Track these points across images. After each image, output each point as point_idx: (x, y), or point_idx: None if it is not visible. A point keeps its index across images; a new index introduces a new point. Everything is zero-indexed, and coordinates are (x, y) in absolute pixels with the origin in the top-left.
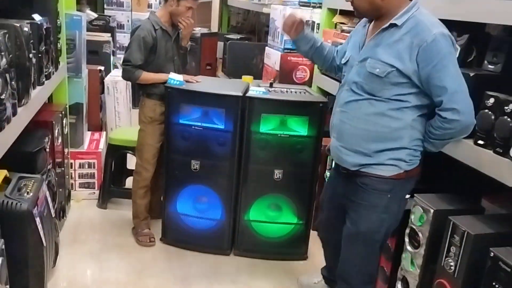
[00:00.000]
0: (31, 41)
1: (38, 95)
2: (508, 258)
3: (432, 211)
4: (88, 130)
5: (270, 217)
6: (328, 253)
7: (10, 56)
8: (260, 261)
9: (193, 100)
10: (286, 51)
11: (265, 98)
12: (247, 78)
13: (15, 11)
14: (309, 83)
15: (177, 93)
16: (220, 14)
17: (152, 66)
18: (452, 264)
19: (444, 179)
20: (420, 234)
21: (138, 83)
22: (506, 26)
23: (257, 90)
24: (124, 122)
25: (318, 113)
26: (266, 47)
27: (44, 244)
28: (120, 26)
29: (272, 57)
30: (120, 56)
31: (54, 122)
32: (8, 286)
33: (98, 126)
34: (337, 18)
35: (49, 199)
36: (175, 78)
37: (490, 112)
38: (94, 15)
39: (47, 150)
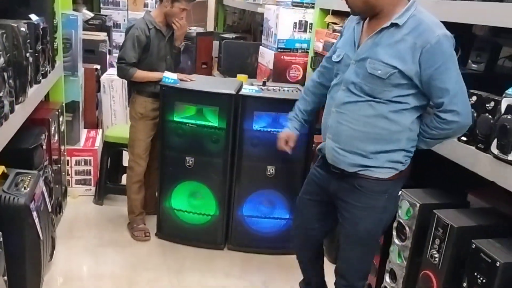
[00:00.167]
0: (28, 40)
1: (35, 93)
2: (489, 249)
3: (418, 205)
4: (85, 128)
5: (263, 212)
6: (304, 265)
7: (8, 55)
8: (253, 255)
9: (187, 98)
10: (279, 50)
11: (258, 96)
12: (241, 77)
13: (13, 11)
14: (302, 81)
15: (172, 91)
16: (216, 13)
17: (144, 65)
18: (436, 256)
19: (434, 174)
20: (407, 228)
21: (132, 81)
22: (491, 27)
23: (250, 88)
24: (120, 120)
25: None
26: (260, 47)
27: (41, 238)
28: (117, 26)
29: (266, 56)
30: (116, 55)
31: (50, 119)
32: (6, 278)
33: (94, 123)
34: (329, 18)
35: (45, 194)
36: (170, 77)
37: (472, 110)
38: (90, 14)
39: (44, 147)
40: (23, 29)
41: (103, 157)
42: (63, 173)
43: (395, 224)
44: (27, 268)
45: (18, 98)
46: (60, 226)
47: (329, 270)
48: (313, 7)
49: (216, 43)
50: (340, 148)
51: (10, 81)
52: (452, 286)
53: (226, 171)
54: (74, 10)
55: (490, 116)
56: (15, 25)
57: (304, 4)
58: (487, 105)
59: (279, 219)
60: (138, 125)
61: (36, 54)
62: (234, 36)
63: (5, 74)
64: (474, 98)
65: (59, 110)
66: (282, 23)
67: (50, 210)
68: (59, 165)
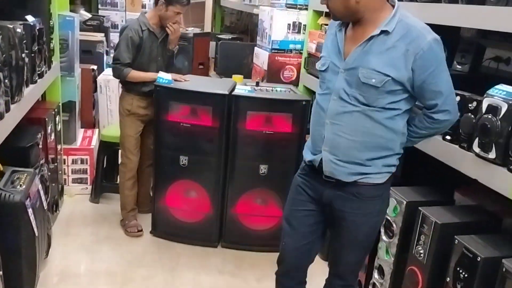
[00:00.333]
0: (24, 41)
1: (31, 93)
2: (471, 245)
3: (405, 202)
4: (81, 128)
5: (256, 211)
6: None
7: (4, 55)
8: (247, 252)
9: (181, 98)
10: (273, 51)
11: (250, 96)
12: (237, 78)
13: (9, 12)
14: (296, 82)
15: (166, 91)
16: (213, 14)
17: (135, 65)
18: (421, 252)
19: (423, 173)
20: (394, 225)
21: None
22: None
23: (243, 88)
24: (116, 119)
25: (301, 111)
26: (255, 47)
27: (36, 234)
28: (114, 26)
29: (261, 57)
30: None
31: (47, 119)
32: (1, 273)
33: (91, 123)
34: (322, 20)
35: (41, 192)
36: (164, 77)
37: None
38: (88, 15)
39: (40, 145)
40: (19, 30)
41: (99, 156)
42: (60, 172)
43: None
44: (22, 264)
45: (14, 98)
46: (56, 223)
47: (318, 267)
48: (306, 9)
49: (213, 44)
50: (338, 159)
51: (6, 81)
52: (436, 282)
53: (220, 170)
54: (71, 11)
55: (472, 116)
56: (11, 26)
57: (298, 6)
58: (469, 105)
59: (271, 217)
60: (125, 121)
61: (32, 55)
62: (230, 37)
63: (1, 74)
64: (458, 98)
65: (56, 110)
66: (276, 24)
67: (46, 208)
68: (56, 164)
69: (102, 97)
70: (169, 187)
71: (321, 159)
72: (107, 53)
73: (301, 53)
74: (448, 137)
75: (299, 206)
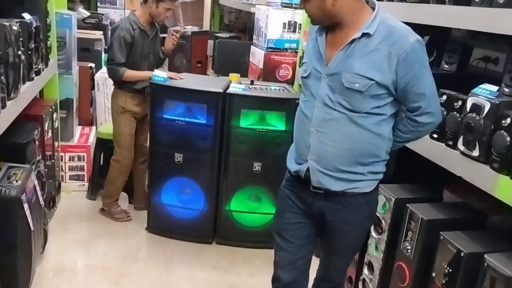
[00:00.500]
0: (21, 39)
1: (27, 90)
2: (455, 240)
3: (393, 199)
4: (79, 125)
5: (250, 208)
6: None
7: (0, 53)
8: (240, 249)
9: (176, 96)
10: (269, 50)
11: (244, 95)
12: (233, 76)
13: (7, 10)
14: (291, 81)
15: (161, 89)
16: (212, 12)
17: (127, 63)
18: (409, 247)
19: (414, 170)
20: (383, 221)
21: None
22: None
23: (237, 87)
24: None
25: (294, 109)
26: (252, 46)
27: (32, 229)
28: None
29: (257, 56)
30: None
31: (44, 116)
32: None
33: (88, 120)
34: None
35: (37, 188)
36: (159, 75)
37: (443, 109)
38: (86, 13)
39: (37, 142)
40: (15, 28)
41: (96, 153)
42: (57, 169)
43: None
44: (18, 258)
45: (10, 95)
46: (53, 219)
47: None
48: (302, 8)
49: (210, 42)
50: (325, 168)
51: (2, 78)
52: (423, 277)
53: (214, 167)
54: (70, 9)
55: (457, 114)
56: (7, 23)
57: (293, 5)
58: (455, 103)
59: (265, 214)
60: (120, 119)
61: (29, 52)
62: (228, 36)
63: None
64: (444, 97)
65: (53, 107)
66: (272, 23)
67: (42, 204)
68: (53, 161)
69: (100, 95)
70: (164, 184)
71: (307, 169)
72: (106, 51)
73: (296, 52)
74: (435, 135)
75: (291, 219)
